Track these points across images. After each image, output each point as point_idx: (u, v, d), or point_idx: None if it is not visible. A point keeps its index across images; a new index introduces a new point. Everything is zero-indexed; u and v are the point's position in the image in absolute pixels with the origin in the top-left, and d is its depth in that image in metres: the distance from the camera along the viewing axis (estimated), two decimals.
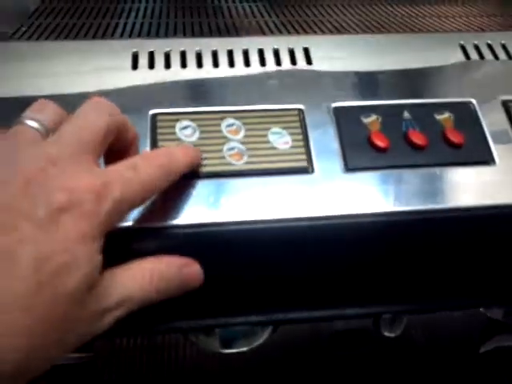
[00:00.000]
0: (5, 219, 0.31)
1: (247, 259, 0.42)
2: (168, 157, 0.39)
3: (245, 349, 0.55)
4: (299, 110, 0.48)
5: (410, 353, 0.74)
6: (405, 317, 0.58)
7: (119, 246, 0.37)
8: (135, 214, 0.40)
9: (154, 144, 0.45)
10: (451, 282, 0.46)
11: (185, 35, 0.61)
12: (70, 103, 0.40)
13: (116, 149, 0.39)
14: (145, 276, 0.37)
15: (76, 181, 0.33)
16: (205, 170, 0.43)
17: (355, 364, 0.74)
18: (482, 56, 0.55)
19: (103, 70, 0.50)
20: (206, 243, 0.42)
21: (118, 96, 0.47)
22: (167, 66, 0.51)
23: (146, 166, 0.37)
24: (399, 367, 0.73)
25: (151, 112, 0.46)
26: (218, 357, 0.60)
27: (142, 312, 0.37)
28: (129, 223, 0.39)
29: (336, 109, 0.48)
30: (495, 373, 0.71)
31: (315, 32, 0.64)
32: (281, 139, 0.45)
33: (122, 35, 0.62)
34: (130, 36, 0.61)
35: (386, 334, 0.59)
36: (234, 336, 0.55)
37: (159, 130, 0.45)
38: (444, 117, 0.48)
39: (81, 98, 0.46)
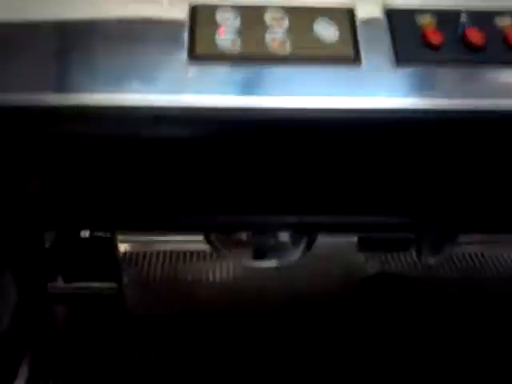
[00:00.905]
0: None
1: (284, 148, 0.40)
2: None
3: (276, 264, 0.53)
4: (349, 7, 0.45)
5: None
6: (448, 244, 0.55)
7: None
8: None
9: (193, 32, 0.42)
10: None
11: None
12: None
13: None
14: None
15: None
16: (245, 55, 0.41)
17: (386, 311, 0.71)
18: None
19: None
20: (244, 128, 0.39)
21: None
22: None
23: None
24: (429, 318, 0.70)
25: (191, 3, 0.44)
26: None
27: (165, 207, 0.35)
28: None
29: (389, 8, 0.45)
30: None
31: None
32: (327, 31, 0.42)
33: None
34: None
35: (428, 260, 0.56)
36: (267, 249, 0.53)
37: (199, 19, 0.43)
38: (504, 20, 0.45)
39: None
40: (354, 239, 0.65)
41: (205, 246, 0.67)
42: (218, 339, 0.69)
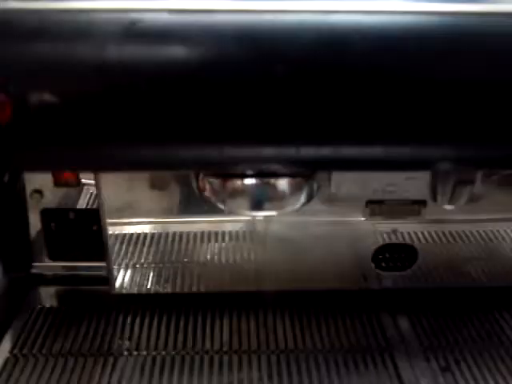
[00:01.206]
0: None
1: (287, 60, 0.36)
2: None
3: (274, 213, 0.49)
4: None
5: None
6: (464, 189, 0.51)
7: None
8: None
9: None
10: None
11: None
12: None
13: None
14: None
15: None
16: None
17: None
18: None
19: None
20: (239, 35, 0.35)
21: None
22: None
23: None
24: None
25: None
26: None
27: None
28: None
29: None
30: None
31: None
32: None
33: None
34: None
35: (444, 205, 0.51)
36: (264, 198, 0.48)
37: None
38: None
39: None
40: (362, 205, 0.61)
41: (195, 227, 0.66)
42: (209, 318, 0.65)
